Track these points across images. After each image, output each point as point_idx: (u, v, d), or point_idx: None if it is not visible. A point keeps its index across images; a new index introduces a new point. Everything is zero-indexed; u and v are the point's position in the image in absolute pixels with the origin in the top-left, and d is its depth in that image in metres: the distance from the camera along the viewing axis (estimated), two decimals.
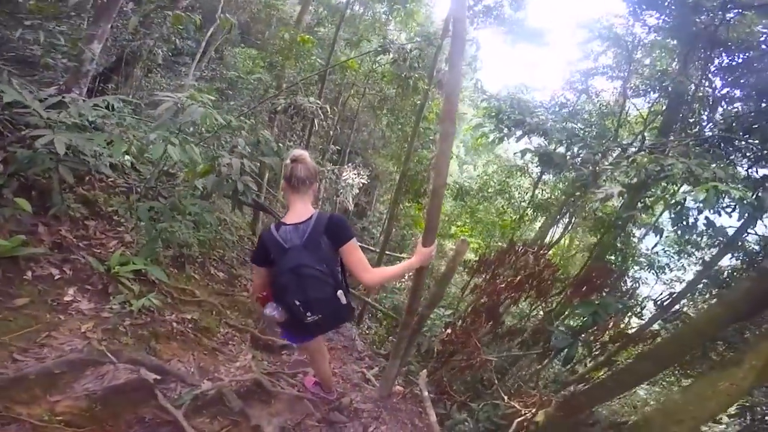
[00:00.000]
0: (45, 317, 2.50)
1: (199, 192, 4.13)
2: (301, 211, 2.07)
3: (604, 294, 4.58)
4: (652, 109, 8.08)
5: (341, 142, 13.89)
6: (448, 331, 4.98)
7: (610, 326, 4.32)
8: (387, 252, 10.31)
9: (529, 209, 9.41)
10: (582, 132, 5.98)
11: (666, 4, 6.11)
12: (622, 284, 5.29)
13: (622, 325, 4.47)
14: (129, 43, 6.20)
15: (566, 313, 5.92)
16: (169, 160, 3.40)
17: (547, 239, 12.20)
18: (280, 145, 4.50)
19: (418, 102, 9.31)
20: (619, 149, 5.83)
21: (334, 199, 13.34)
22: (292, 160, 2.11)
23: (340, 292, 2.00)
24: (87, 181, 4.27)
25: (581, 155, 4.74)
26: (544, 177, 9.11)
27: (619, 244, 7.31)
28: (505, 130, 5.06)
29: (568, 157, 4.85)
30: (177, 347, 3.16)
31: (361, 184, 12.68)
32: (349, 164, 12.48)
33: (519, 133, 4.92)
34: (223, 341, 3.74)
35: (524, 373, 6.31)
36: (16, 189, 3.13)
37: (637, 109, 8.85)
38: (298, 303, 1.93)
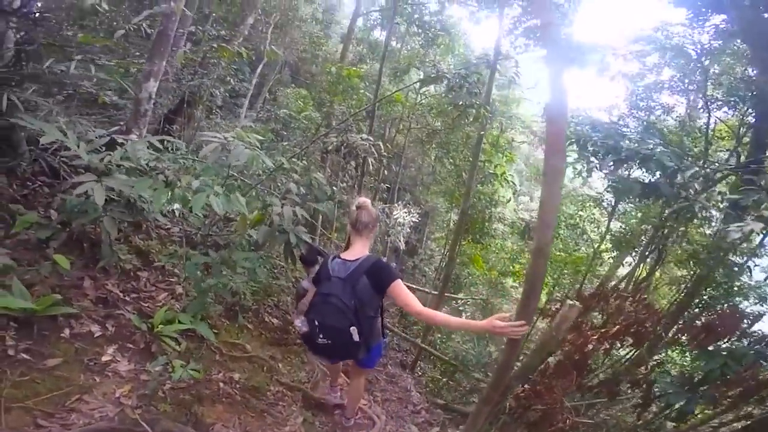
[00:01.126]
0: (78, 379, 2.25)
1: (252, 242, 3.91)
2: (356, 251, 2.36)
3: (730, 341, 3.68)
4: (743, 121, 7.09)
5: (389, 179, 13.72)
6: (525, 386, 4.22)
7: (744, 377, 3.41)
8: (446, 294, 9.66)
9: (604, 243, 8.44)
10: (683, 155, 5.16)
11: (732, 3, 5.37)
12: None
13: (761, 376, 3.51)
14: (189, 83, 6.41)
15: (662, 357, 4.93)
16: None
17: (620, 273, 11.00)
18: (334, 188, 4.24)
19: (471, 134, 8.94)
20: (711, 170, 4.99)
21: (384, 239, 13.02)
22: (357, 207, 2.42)
23: (353, 329, 2.18)
24: (143, 230, 4.21)
25: (679, 180, 3.97)
26: (619, 207, 8.19)
27: (718, 277, 6.18)
28: (593, 160, 4.37)
29: (674, 184, 3.96)
30: (222, 410, 2.79)
31: (412, 223, 12.27)
32: (399, 202, 12.16)
33: (610, 162, 4.16)
34: (273, 401, 3.32)
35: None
36: (65, 240, 3.01)
37: (722, 122, 7.84)
38: (316, 323, 2.22)
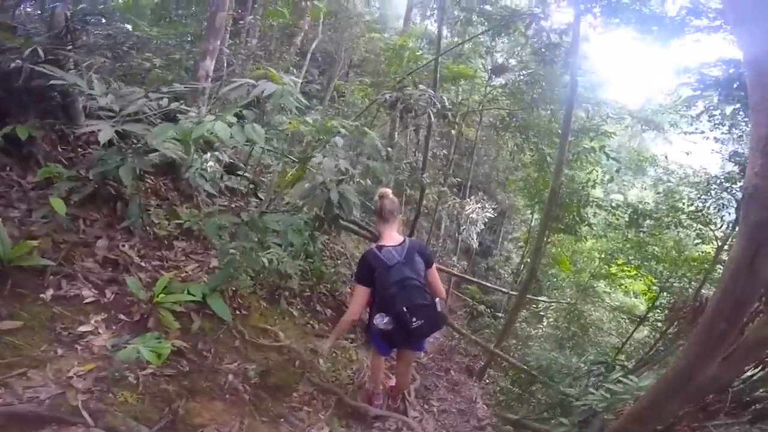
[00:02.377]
0: (35, 349, 1.72)
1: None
2: (394, 236, 2.38)
3: None
4: None
5: (460, 176, 12.64)
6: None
7: None
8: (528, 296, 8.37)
9: (731, 238, 6.53)
10: None
11: None
12: None
13: None
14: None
15: None
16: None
17: None
18: (389, 149, 3.47)
19: (556, 111, 7.61)
20: None
21: (456, 236, 11.91)
22: (380, 197, 2.46)
23: (437, 299, 2.32)
24: (194, 202, 3.82)
25: None
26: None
27: None
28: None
29: None
30: (222, 409, 2.12)
31: (486, 219, 11.03)
32: (472, 197, 11.02)
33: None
34: (297, 405, 2.60)
35: None
36: (93, 197, 2.60)
37: None
38: (405, 309, 2.17)
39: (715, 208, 6.20)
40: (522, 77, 8.22)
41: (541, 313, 10.37)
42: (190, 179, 3.27)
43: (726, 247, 6.77)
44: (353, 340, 4.35)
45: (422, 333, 2.34)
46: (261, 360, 2.72)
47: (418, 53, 7.45)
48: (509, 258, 14.00)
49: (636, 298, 11.20)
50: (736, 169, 6.46)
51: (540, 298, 10.01)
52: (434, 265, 2.42)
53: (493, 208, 11.23)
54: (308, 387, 2.87)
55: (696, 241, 6.81)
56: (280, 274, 3.49)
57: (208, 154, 2.97)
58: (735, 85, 3.00)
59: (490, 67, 9.47)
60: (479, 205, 10.61)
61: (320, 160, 2.45)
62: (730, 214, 6.59)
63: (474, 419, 4.29)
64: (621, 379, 2.93)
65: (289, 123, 2.86)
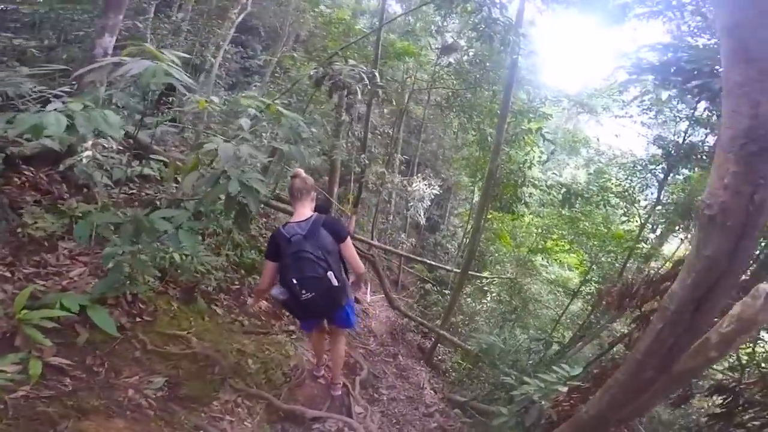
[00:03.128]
0: None
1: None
2: (302, 213, 2.38)
3: None
4: None
5: (409, 153, 12.43)
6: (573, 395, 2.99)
7: None
8: (470, 273, 8.45)
9: (652, 217, 6.90)
10: None
11: None
12: None
13: None
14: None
15: None
16: None
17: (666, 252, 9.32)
18: (313, 131, 3.08)
19: (497, 92, 7.51)
20: None
21: (404, 213, 11.82)
22: (292, 176, 2.46)
23: (330, 273, 2.23)
24: (85, 193, 3.22)
25: None
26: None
27: None
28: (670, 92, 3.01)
29: None
30: (123, 427, 1.79)
31: (432, 196, 11.00)
32: (418, 175, 10.89)
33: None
34: (218, 414, 2.30)
35: None
36: None
37: None
38: (295, 281, 2.20)
39: (640, 188, 6.47)
40: (467, 57, 8.01)
41: (485, 288, 10.60)
42: (76, 169, 2.72)
43: (648, 225, 7.20)
44: (291, 333, 4.07)
45: (316, 306, 2.29)
46: (169, 370, 2.35)
47: (357, 27, 6.94)
48: (455, 233, 14.18)
49: (570, 271, 11.80)
50: (659, 152, 6.81)
51: (482, 275, 10.22)
52: (347, 240, 2.37)
53: (439, 185, 11.23)
54: (230, 394, 2.56)
55: (623, 218, 7.12)
56: (197, 271, 3.09)
57: (89, 142, 2.43)
58: (672, 70, 2.89)
59: (438, 47, 9.18)
60: (425, 182, 10.53)
61: (214, 147, 2.02)
62: (652, 193, 6.95)
63: (422, 406, 4.22)
64: (554, 367, 2.90)
65: (198, 102, 2.40)
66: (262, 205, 5.26)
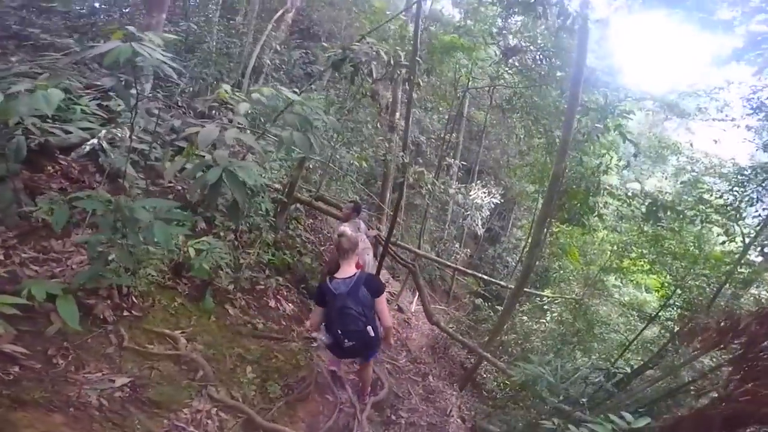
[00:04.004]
0: None
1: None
2: (347, 270, 2.65)
3: None
4: None
5: (469, 160, 11.68)
6: None
7: None
8: (526, 289, 7.53)
9: (761, 237, 5.52)
10: None
11: None
12: None
13: None
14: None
15: None
16: None
17: None
18: (330, 118, 2.72)
19: (562, 91, 6.60)
20: None
21: (460, 222, 11.08)
22: (339, 235, 2.73)
23: (369, 327, 2.58)
24: (119, 184, 3.21)
25: None
26: None
27: None
28: None
29: None
30: (61, 423, 1.63)
31: (492, 205, 10.13)
32: (477, 182, 10.12)
33: None
34: (182, 424, 2.02)
35: None
36: None
37: None
38: (340, 332, 2.56)
39: (747, 202, 5.18)
40: (531, 54, 7.19)
41: (545, 307, 9.48)
42: (101, 159, 2.66)
43: (755, 247, 5.76)
44: (311, 340, 3.73)
45: (356, 351, 2.73)
46: (142, 370, 2.12)
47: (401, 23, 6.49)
48: (517, 246, 13.05)
49: (647, 293, 10.25)
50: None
51: (542, 293, 9.14)
52: (382, 297, 2.67)
53: (501, 194, 10.32)
54: (205, 403, 2.26)
55: (720, 238, 5.79)
56: (214, 267, 2.88)
57: (103, 132, 2.31)
58: None
59: (502, 50, 8.44)
60: (484, 190, 9.73)
61: (196, 131, 1.73)
62: (763, 209, 5.54)
63: None
64: (611, 416, 2.18)
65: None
66: (299, 206, 5.07)
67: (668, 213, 5.04)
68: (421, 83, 4.55)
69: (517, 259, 12.21)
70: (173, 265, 2.83)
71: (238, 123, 2.04)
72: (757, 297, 6.60)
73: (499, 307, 8.30)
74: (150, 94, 3.35)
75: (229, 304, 3.16)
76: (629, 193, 5.16)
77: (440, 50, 6.64)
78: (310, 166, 6.42)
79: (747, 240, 5.69)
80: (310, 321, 2.95)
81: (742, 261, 5.86)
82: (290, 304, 3.94)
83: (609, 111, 5.33)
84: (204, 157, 2.04)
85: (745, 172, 5.29)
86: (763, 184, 5.21)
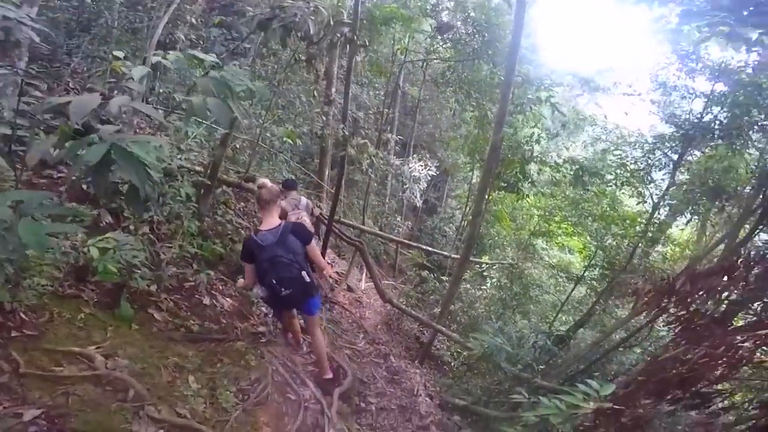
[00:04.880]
0: None
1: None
2: (271, 221, 2.61)
3: None
4: None
5: (404, 135, 11.53)
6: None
7: None
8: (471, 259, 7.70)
9: (664, 199, 6.11)
10: None
11: None
12: None
13: None
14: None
15: None
16: None
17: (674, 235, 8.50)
18: (256, 83, 2.27)
19: (493, 65, 6.61)
20: None
21: (400, 195, 11.00)
22: (259, 187, 2.81)
23: (303, 272, 2.56)
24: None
25: None
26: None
27: None
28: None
29: None
30: None
31: (429, 178, 10.16)
32: (414, 156, 10.05)
33: None
34: None
35: None
36: None
37: None
38: (275, 281, 2.50)
39: (656, 167, 5.68)
40: (464, 29, 7.08)
41: (485, 273, 9.88)
42: None
43: (662, 204, 6.40)
44: (259, 336, 3.34)
45: (294, 299, 2.66)
46: (56, 398, 1.64)
47: None
48: (453, 216, 13.40)
49: (570, 254, 11.04)
50: (669, 131, 6.01)
51: (482, 261, 9.49)
52: (312, 243, 2.68)
53: (436, 167, 10.39)
54: (147, 426, 1.84)
55: (634, 200, 6.35)
56: (123, 267, 2.34)
57: None
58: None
59: (437, 24, 8.21)
60: (421, 163, 9.70)
61: (68, 100, 1.24)
62: (667, 173, 6.13)
63: (416, 416, 3.53)
64: (579, 384, 2.17)
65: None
66: (226, 189, 4.50)
67: (592, 178, 5.33)
68: (358, 57, 4.18)
69: (454, 228, 12.57)
70: (72, 270, 2.24)
71: (133, 91, 1.55)
72: (664, 254, 7.46)
73: (444, 278, 8.45)
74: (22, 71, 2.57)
75: (154, 307, 2.64)
76: (558, 161, 5.36)
77: (380, 20, 6.22)
78: (237, 146, 5.79)
79: (655, 200, 6.31)
80: (243, 281, 2.74)
81: (652, 219, 6.51)
82: (228, 299, 3.47)
83: (538, 84, 5.45)
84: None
85: (654, 141, 5.76)
86: (668, 152, 5.73)
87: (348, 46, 3.08)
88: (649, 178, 5.72)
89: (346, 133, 3.51)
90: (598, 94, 10.80)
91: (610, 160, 5.84)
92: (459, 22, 7.87)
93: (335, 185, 4.19)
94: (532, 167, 5.42)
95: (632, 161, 5.76)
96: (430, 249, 5.93)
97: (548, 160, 5.62)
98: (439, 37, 8.03)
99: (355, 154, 3.90)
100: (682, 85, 5.83)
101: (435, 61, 8.25)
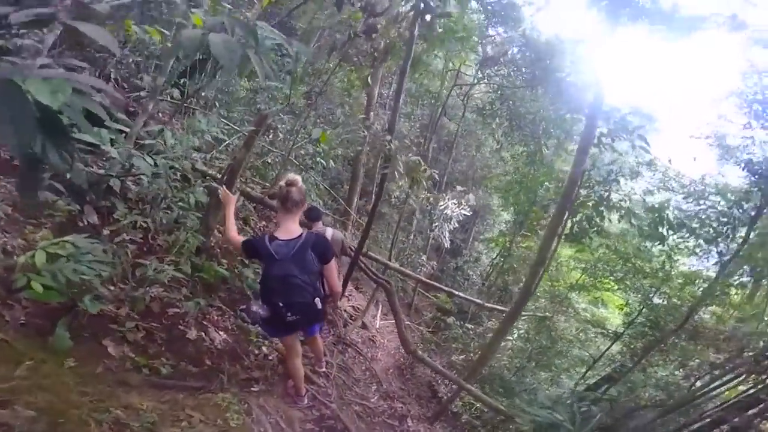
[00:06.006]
0: None
1: None
2: (291, 229, 2.10)
3: None
4: None
5: (438, 170, 10.91)
6: None
7: None
8: (495, 306, 6.75)
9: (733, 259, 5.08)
10: None
11: None
12: None
13: None
14: None
15: None
16: None
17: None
18: (296, 43, 1.65)
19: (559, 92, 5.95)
20: None
21: (427, 233, 10.18)
22: (288, 183, 2.13)
23: (317, 300, 2.11)
24: None
25: None
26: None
27: None
28: None
29: None
30: None
31: (461, 217, 9.33)
32: (448, 192, 9.31)
33: None
34: None
35: None
36: None
37: None
38: (281, 305, 2.04)
39: (740, 222, 4.67)
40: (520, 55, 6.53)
41: (515, 324, 8.77)
42: None
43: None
44: (250, 383, 2.54)
45: (296, 326, 2.29)
46: None
47: None
48: (478, 259, 12.40)
49: (605, 308, 9.99)
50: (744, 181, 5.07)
51: (501, 307, 8.41)
52: (332, 263, 2.19)
53: (471, 206, 9.57)
54: None
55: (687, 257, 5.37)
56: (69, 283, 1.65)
57: None
58: None
59: (481, 58, 7.79)
60: (454, 201, 8.92)
61: None
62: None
63: None
64: None
65: None
66: (247, 203, 3.86)
67: (675, 231, 4.34)
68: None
69: (479, 273, 11.58)
70: None
71: None
72: (715, 313, 6.34)
73: (469, 326, 7.46)
74: None
75: (112, 338, 1.91)
76: (629, 206, 4.42)
77: (440, 35, 5.60)
78: (269, 161, 5.31)
79: (725, 259, 5.24)
80: (229, 234, 2.18)
81: (719, 279, 5.43)
82: (221, 333, 2.71)
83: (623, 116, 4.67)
84: None
85: (743, 190, 4.80)
86: (758, 205, 4.73)
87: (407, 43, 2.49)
88: (731, 233, 4.69)
89: (394, 146, 2.86)
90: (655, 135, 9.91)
91: (691, 210, 4.88)
92: (512, 51, 7.36)
93: (370, 211, 3.49)
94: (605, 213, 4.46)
95: (715, 214, 4.76)
96: (462, 295, 5.04)
97: (630, 204, 4.62)
98: (487, 70, 7.54)
99: (401, 173, 3.23)
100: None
101: (479, 92, 7.68)
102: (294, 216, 2.12)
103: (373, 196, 3.40)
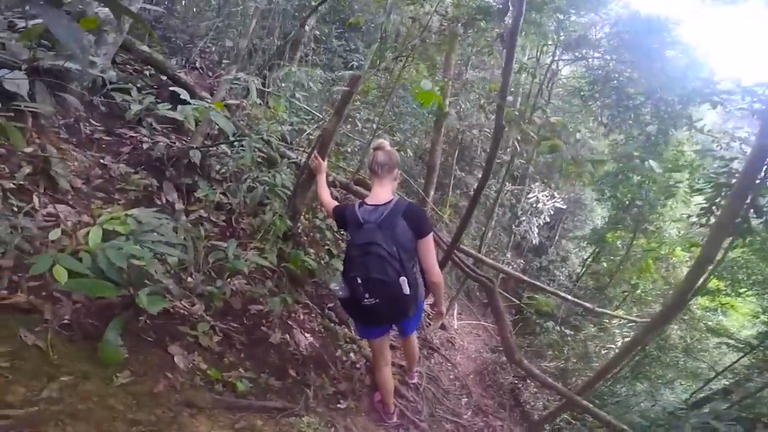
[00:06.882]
0: None
1: None
2: (380, 194, 1.76)
3: None
4: None
5: (521, 163, 9.63)
6: None
7: None
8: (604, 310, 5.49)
9: None
10: None
11: None
12: None
13: None
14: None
15: None
16: None
17: None
18: None
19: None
20: None
21: (511, 229, 9.00)
22: (375, 148, 1.90)
23: (403, 279, 1.58)
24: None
25: None
26: None
27: None
28: None
29: None
30: None
31: (551, 212, 8.02)
32: (536, 184, 8.06)
33: None
34: None
35: None
36: None
37: None
38: (359, 280, 1.60)
39: None
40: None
41: (615, 330, 7.37)
42: None
43: None
44: (337, 402, 1.97)
45: (377, 317, 1.68)
46: None
47: None
48: (566, 258, 10.78)
49: (723, 315, 8.13)
50: None
51: (616, 314, 6.99)
52: (430, 236, 1.67)
53: (563, 198, 8.18)
54: None
55: None
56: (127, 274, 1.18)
57: None
58: None
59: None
60: (546, 193, 7.67)
61: None
62: None
63: None
64: None
65: None
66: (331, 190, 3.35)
67: None
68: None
69: (566, 273, 10.07)
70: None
71: None
72: None
73: (568, 332, 6.31)
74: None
75: (182, 344, 1.44)
76: None
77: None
78: (349, 150, 4.94)
79: None
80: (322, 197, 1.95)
81: None
82: (307, 335, 2.18)
83: None
84: None
85: None
86: None
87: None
88: None
89: (506, 124, 2.13)
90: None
91: None
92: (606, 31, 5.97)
93: (473, 196, 2.74)
94: None
95: None
96: (570, 298, 3.98)
97: None
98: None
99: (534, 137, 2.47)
100: None
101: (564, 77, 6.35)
102: (382, 180, 1.77)
103: (480, 179, 2.62)
